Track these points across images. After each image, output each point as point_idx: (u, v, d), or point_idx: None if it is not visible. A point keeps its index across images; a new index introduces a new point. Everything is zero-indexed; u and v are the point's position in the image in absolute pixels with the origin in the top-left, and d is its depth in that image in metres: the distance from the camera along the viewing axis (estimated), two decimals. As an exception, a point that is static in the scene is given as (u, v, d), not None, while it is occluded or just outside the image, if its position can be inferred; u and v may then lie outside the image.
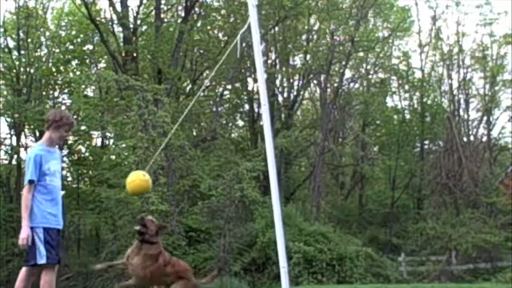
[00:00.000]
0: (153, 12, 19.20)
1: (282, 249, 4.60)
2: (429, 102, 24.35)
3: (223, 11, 20.65)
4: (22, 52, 19.74)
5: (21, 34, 19.62)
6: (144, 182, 5.04)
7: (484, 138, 23.39)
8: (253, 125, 22.68)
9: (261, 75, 5.05)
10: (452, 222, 18.86)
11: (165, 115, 14.07)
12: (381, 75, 24.79)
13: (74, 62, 21.52)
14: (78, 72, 20.81)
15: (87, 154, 22.52)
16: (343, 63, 21.61)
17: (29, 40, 19.60)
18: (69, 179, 23.12)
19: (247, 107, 23.30)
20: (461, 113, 23.31)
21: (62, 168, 24.15)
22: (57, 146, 5.31)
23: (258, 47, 4.92)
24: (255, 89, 22.76)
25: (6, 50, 19.35)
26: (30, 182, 4.89)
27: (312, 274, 14.46)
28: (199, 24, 20.32)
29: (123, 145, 17.03)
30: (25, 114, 18.27)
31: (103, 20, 19.18)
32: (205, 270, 14.06)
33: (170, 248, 13.85)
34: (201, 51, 20.98)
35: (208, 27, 21.03)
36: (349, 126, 23.56)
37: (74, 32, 20.96)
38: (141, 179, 5.04)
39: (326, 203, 20.66)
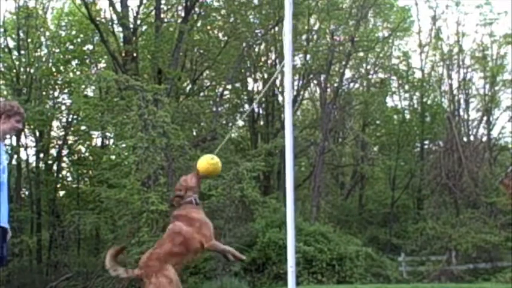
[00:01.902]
0: (153, 12, 19.18)
1: (291, 249, 4.60)
2: (429, 102, 24.36)
3: (223, 11, 20.65)
4: (22, 52, 19.77)
5: (21, 34, 19.65)
6: (211, 166, 5.01)
7: (484, 138, 23.38)
8: (253, 125, 22.70)
9: (289, 70, 5.03)
10: (452, 222, 18.85)
11: (165, 115, 14.06)
12: (381, 75, 24.81)
13: (74, 62, 21.55)
14: (78, 72, 20.82)
15: (87, 154, 22.54)
16: (343, 63, 21.62)
17: (29, 40, 19.62)
18: (69, 179, 23.17)
19: (247, 107, 23.31)
20: (461, 113, 23.32)
21: (62, 168, 24.14)
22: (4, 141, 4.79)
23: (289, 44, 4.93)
24: (255, 89, 22.83)
25: (6, 50, 19.36)
26: None
27: (312, 274, 14.45)
28: (199, 24, 20.31)
29: (123, 145, 17.02)
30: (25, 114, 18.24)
31: (103, 20, 19.18)
32: (205, 270, 14.08)
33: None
34: (201, 51, 20.99)
35: (208, 27, 21.03)
36: (349, 126, 23.56)
37: (74, 32, 20.97)
38: (209, 162, 5.03)
39: (326, 203, 20.66)
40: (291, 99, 5.01)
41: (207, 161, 4.98)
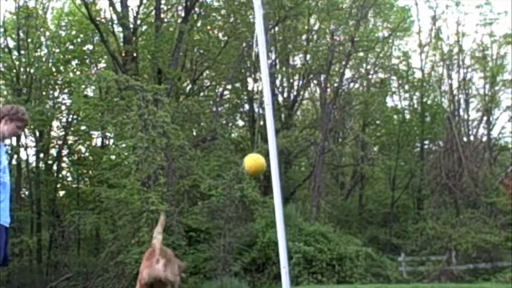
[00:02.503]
0: (153, 12, 19.19)
1: (283, 249, 4.58)
2: (429, 102, 24.37)
3: (223, 11, 20.65)
4: (22, 52, 19.76)
5: (21, 34, 19.64)
6: (255, 171, 5.22)
7: (484, 138, 23.40)
8: (253, 125, 22.69)
9: (265, 73, 5.06)
10: (452, 222, 18.84)
11: (165, 115, 14.07)
12: (381, 75, 24.81)
13: (74, 62, 21.54)
14: (78, 72, 20.82)
15: (87, 154, 22.53)
16: (343, 63, 21.61)
17: (29, 40, 19.61)
18: (69, 179, 23.17)
19: (247, 107, 23.32)
20: (461, 113, 23.33)
21: (62, 168, 24.11)
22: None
23: (263, 46, 4.93)
24: (255, 89, 22.83)
25: (6, 50, 19.35)
26: None
27: (312, 274, 14.45)
28: (199, 24, 20.32)
29: (123, 145, 17.03)
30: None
31: (103, 20, 19.18)
32: (205, 270, 14.08)
33: (170, 248, 13.84)
34: (201, 51, 20.99)
35: (208, 27, 21.04)
36: (349, 126, 23.58)
37: (74, 32, 20.96)
38: (258, 170, 5.18)
39: (326, 203, 20.65)
40: (271, 104, 5.04)
41: (256, 169, 5.16)
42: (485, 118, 23.32)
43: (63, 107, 21.50)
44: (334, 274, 14.72)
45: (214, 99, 21.68)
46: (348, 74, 23.33)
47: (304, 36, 22.51)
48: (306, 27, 22.05)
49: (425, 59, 24.15)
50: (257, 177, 17.04)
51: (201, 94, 22.65)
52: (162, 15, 19.26)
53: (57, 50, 21.01)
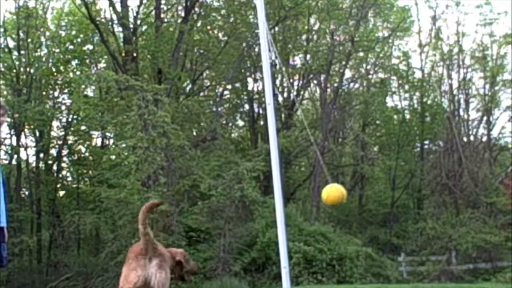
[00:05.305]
0: (153, 12, 19.20)
1: (283, 249, 4.59)
2: (429, 102, 24.37)
3: (223, 11, 20.66)
4: (22, 52, 19.76)
5: (21, 34, 19.63)
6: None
7: (484, 138, 23.40)
8: (253, 125, 22.69)
9: (267, 72, 5.06)
10: (452, 222, 18.84)
11: (165, 115, 14.08)
12: (381, 75, 24.80)
13: (74, 62, 21.54)
14: (78, 72, 20.81)
15: (87, 154, 22.52)
16: (343, 63, 21.60)
17: (29, 40, 19.61)
18: (69, 179, 23.16)
19: (247, 107, 23.32)
20: (461, 113, 23.31)
21: (62, 168, 24.08)
22: None
23: (265, 44, 4.95)
24: (255, 89, 22.83)
25: (6, 50, 19.36)
26: None
27: (312, 274, 14.44)
28: (199, 24, 20.32)
29: (123, 145, 17.03)
30: (25, 114, 18.28)
31: (103, 20, 19.19)
32: (205, 270, 14.08)
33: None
34: (201, 51, 20.99)
35: (208, 27, 21.04)
36: (349, 126, 23.57)
37: (74, 32, 20.96)
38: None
39: (326, 203, 20.62)
40: (272, 100, 5.01)
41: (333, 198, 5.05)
42: (485, 118, 23.32)
43: (63, 107, 21.49)
44: (334, 274, 14.72)
45: (214, 99, 21.69)
46: (348, 74, 23.34)
47: (304, 36, 22.50)
48: (306, 27, 22.05)
49: (425, 59, 24.17)
50: (258, 177, 17.08)
51: (201, 94, 22.65)
52: (162, 15, 19.27)
53: (57, 50, 21.00)
